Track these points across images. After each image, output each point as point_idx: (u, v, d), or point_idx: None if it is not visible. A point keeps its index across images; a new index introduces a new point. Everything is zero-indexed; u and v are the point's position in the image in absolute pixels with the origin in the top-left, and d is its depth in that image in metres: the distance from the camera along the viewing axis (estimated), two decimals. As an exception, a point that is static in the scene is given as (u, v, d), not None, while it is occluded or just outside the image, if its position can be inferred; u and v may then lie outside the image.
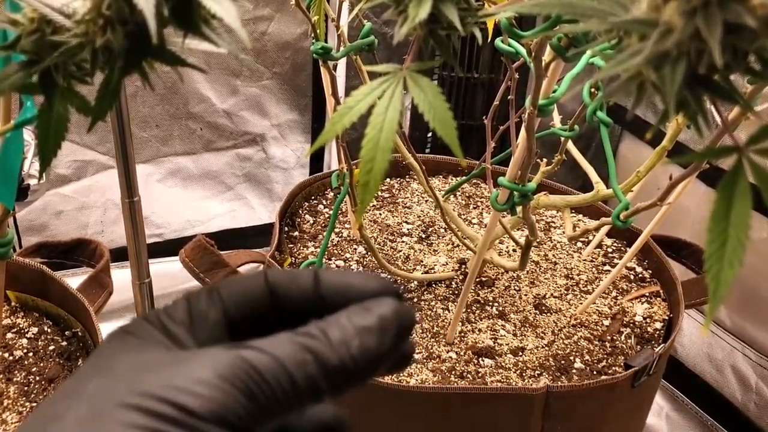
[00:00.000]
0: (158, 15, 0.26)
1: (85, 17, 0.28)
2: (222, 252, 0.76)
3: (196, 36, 0.28)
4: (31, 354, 0.68)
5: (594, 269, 0.84)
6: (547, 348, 0.71)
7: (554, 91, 0.48)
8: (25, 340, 0.69)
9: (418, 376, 0.66)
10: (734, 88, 0.22)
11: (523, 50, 0.47)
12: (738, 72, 0.22)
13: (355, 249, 0.84)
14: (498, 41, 0.48)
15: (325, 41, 0.89)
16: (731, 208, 0.22)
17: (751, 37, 0.20)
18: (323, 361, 0.26)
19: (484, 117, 0.67)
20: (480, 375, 0.67)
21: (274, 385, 0.25)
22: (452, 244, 0.86)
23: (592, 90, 0.58)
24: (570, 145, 0.73)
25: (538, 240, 0.85)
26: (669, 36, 0.21)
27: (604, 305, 0.78)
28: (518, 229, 0.85)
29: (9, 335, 0.70)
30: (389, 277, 0.78)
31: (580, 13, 0.23)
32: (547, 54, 0.44)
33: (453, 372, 0.68)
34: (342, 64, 1.11)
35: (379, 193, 0.96)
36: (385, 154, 0.30)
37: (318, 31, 0.59)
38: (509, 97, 0.54)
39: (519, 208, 0.56)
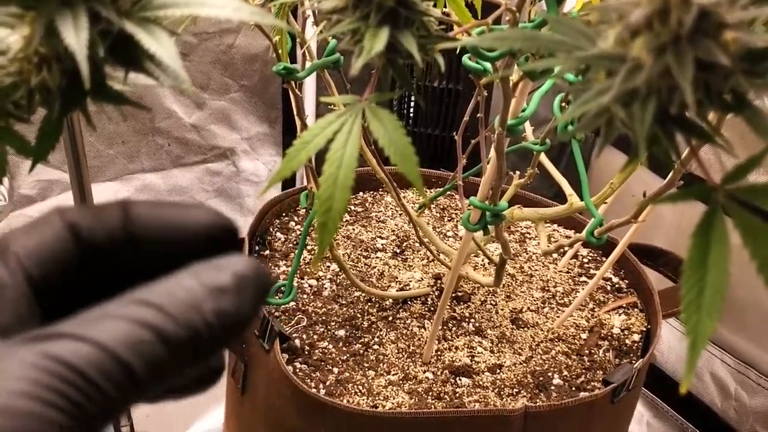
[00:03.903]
0: (94, 55, 0.24)
1: (18, 55, 0.26)
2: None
3: (138, 72, 0.27)
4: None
5: (570, 281, 0.83)
6: (524, 364, 0.70)
7: (523, 110, 0.47)
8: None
9: (394, 399, 0.65)
10: (710, 126, 0.21)
11: (490, 68, 0.45)
12: (712, 109, 0.20)
13: (329, 267, 0.82)
14: (465, 58, 0.47)
15: (294, 55, 0.87)
16: (708, 253, 0.20)
17: (725, 74, 0.19)
18: (168, 337, 0.20)
19: (454, 134, 0.65)
20: (457, 395, 0.66)
21: (103, 384, 0.19)
22: (427, 259, 0.84)
23: (563, 104, 0.57)
24: (543, 157, 0.72)
25: (512, 257, 0.84)
26: (638, 73, 0.20)
27: (582, 318, 0.77)
28: (493, 241, 0.84)
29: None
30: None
31: (543, 47, 0.22)
32: (515, 73, 0.43)
33: (430, 393, 0.66)
34: (312, 76, 1.09)
35: (352, 207, 0.94)
36: (345, 192, 0.28)
37: (281, 50, 0.57)
38: (478, 115, 0.52)
39: (491, 227, 0.55)
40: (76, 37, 0.22)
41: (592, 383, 0.68)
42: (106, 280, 0.24)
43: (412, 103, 1.26)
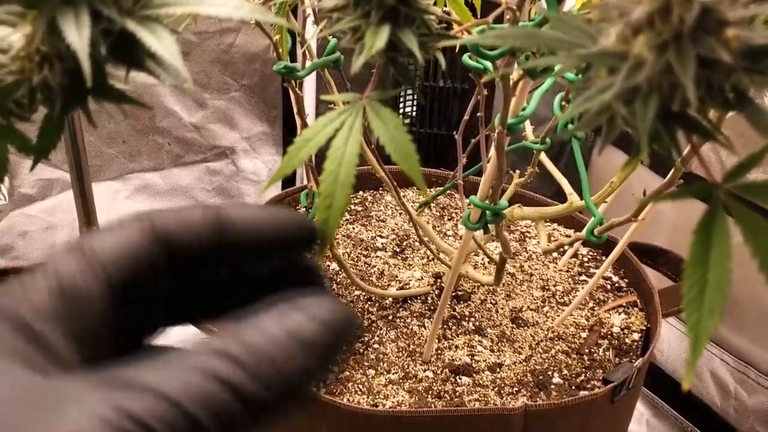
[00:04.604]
0: (95, 53, 0.24)
1: (20, 53, 0.26)
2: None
3: (139, 70, 0.27)
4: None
5: (570, 279, 0.83)
6: (524, 363, 0.70)
7: (523, 109, 0.47)
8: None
9: (394, 397, 0.65)
10: (712, 124, 0.21)
11: (491, 66, 0.46)
12: (713, 107, 0.20)
13: (329, 266, 0.82)
14: (465, 57, 0.47)
15: (294, 54, 0.87)
16: (709, 251, 0.20)
17: (727, 71, 0.19)
18: (243, 392, 0.19)
19: (454, 133, 0.66)
20: (457, 394, 0.66)
21: None
22: (427, 258, 0.84)
23: (563, 103, 0.57)
24: (542, 156, 0.72)
25: (512, 256, 0.84)
26: (639, 70, 0.20)
27: (581, 317, 0.77)
28: (493, 240, 0.84)
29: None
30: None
31: (544, 44, 0.22)
32: (515, 72, 0.43)
33: (430, 392, 0.66)
34: (312, 75, 1.09)
35: (352, 207, 0.94)
36: (345, 189, 0.28)
37: (281, 49, 0.57)
38: (478, 114, 0.53)
39: (492, 226, 0.55)
40: (78, 35, 0.22)
41: (592, 382, 0.68)
42: (191, 287, 0.23)
43: (416, 103, 1.26)
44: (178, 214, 0.23)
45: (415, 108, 1.27)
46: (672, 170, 0.50)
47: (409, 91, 1.22)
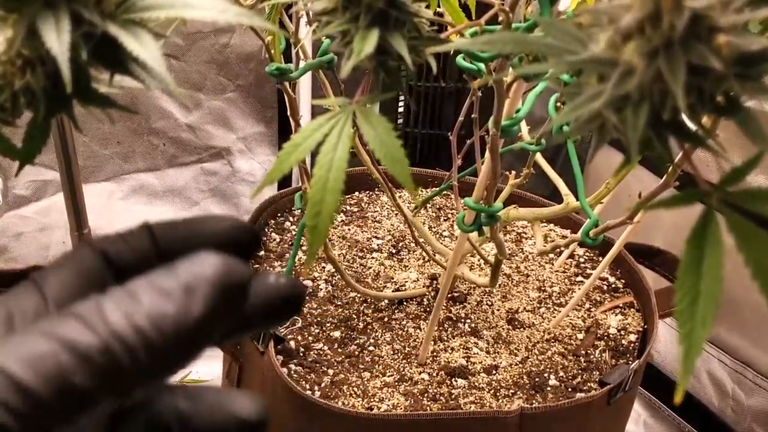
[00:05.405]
0: (76, 57, 0.23)
1: (1, 57, 0.26)
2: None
3: (123, 74, 0.26)
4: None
5: (566, 280, 0.82)
6: (520, 365, 0.70)
7: (518, 111, 0.46)
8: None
9: (389, 400, 0.64)
10: (704, 129, 0.20)
11: (484, 68, 0.45)
12: (705, 113, 0.20)
13: (324, 267, 0.81)
14: (459, 58, 0.46)
15: (288, 54, 0.86)
16: (702, 260, 0.20)
17: (718, 78, 0.19)
18: (82, 353, 0.18)
19: (449, 133, 0.65)
20: (453, 396, 0.66)
21: None
22: (423, 259, 0.84)
23: (558, 104, 0.57)
24: (538, 157, 0.72)
25: (507, 257, 0.84)
26: (629, 78, 0.19)
27: (578, 318, 0.77)
28: (489, 241, 0.83)
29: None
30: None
31: (534, 50, 0.21)
32: (509, 74, 0.42)
33: (425, 395, 0.66)
34: (307, 76, 1.09)
35: (348, 208, 0.94)
36: (335, 195, 0.28)
37: (273, 50, 0.57)
38: (473, 115, 0.52)
39: (486, 228, 0.55)
40: (57, 39, 0.22)
41: (589, 384, 0.68)
42: None
43: (415, 104, 1.26)
44: (118, 236, 0.25)
45: (412, 108, 1.26)
46: (667, 173, 0.49)
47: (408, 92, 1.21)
